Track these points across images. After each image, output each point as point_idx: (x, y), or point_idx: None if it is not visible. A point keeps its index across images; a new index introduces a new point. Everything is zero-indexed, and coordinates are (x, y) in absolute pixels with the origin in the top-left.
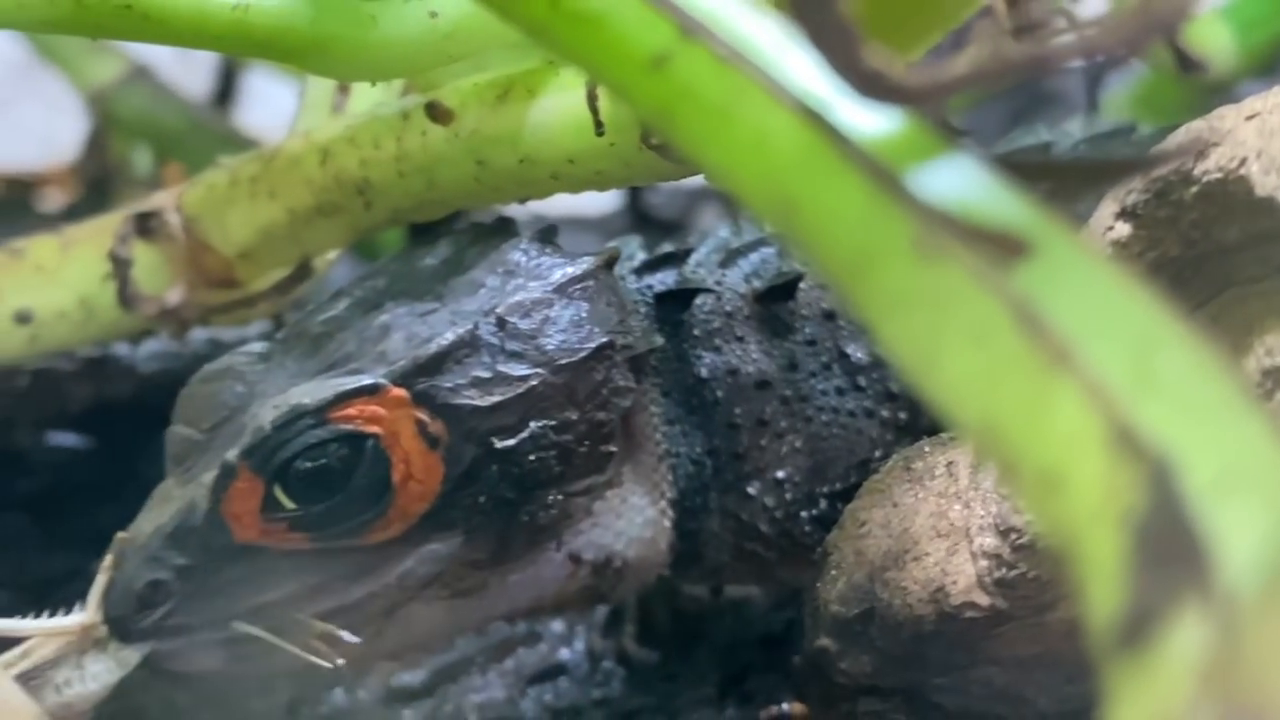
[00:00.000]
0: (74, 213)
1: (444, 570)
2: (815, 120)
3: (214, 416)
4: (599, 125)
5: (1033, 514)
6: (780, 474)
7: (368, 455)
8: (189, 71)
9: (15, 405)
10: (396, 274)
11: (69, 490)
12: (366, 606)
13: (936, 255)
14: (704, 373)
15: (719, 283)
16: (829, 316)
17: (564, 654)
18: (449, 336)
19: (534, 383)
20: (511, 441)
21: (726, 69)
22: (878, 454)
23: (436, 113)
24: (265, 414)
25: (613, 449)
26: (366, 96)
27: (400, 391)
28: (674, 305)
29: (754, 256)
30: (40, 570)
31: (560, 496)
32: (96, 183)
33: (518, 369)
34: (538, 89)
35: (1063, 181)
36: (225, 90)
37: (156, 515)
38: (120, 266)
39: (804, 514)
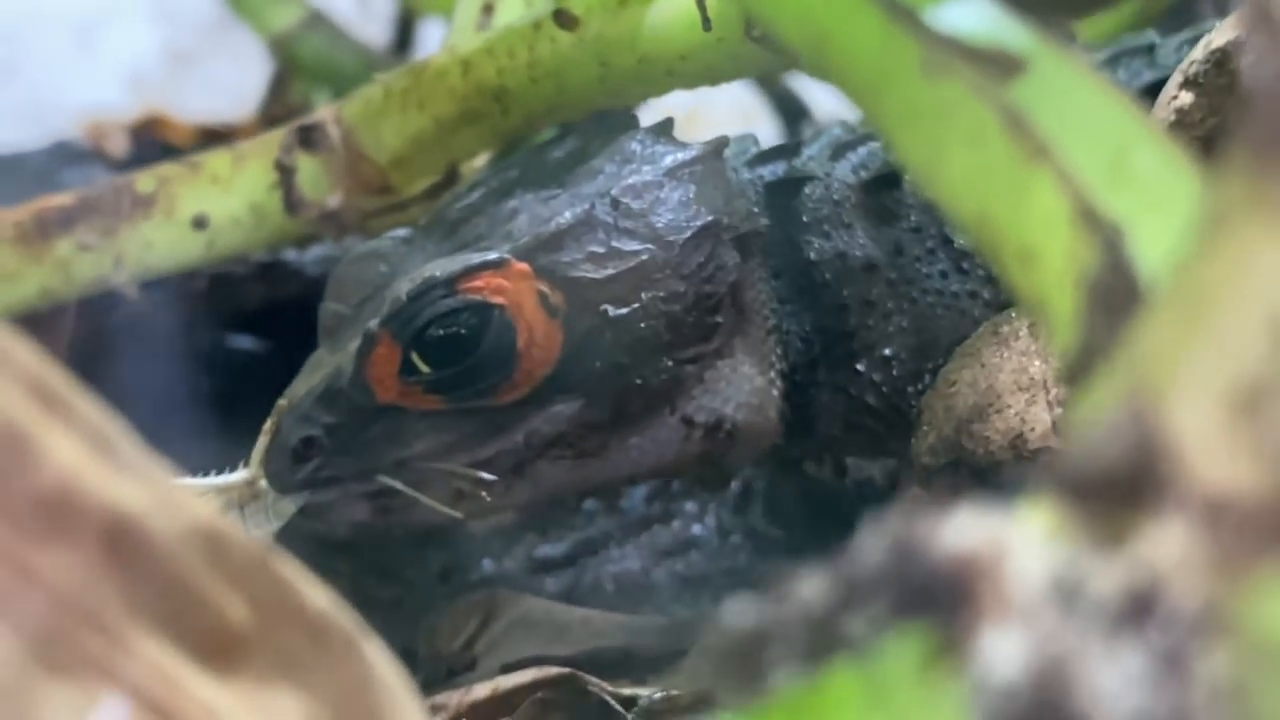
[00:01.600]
0: None
1: (567, 430)
2: None
3: (360, 293)
4: (706, 21)
5: (1015, 286)
6: (887, 351)
7: (494, 323)
8: (369, 22)
9: (195, 306)
10: (527, 165)
11: (247, 388)
12: (498, 463)
13: (940, 73)
14: (813, 256)
15: (828, 174)
16: (932, 206)
17: (696, 530)
18: (567, 216)
19: (644, 257)
20: (624, 310)
21: None
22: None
23: (564, 19)
24: (402, 286)
25: (719, 320)
26: (510, 15)
27: (523, 265)
28: (783, 193)
29: (862, 150)
30: (223, 459)
31: (671, 363)
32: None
33: (629, 245)
34: None
35: (1060, 9)
36: (403, 39)
37: (309, 380)
38: (285, 174)
39: (910, 389)
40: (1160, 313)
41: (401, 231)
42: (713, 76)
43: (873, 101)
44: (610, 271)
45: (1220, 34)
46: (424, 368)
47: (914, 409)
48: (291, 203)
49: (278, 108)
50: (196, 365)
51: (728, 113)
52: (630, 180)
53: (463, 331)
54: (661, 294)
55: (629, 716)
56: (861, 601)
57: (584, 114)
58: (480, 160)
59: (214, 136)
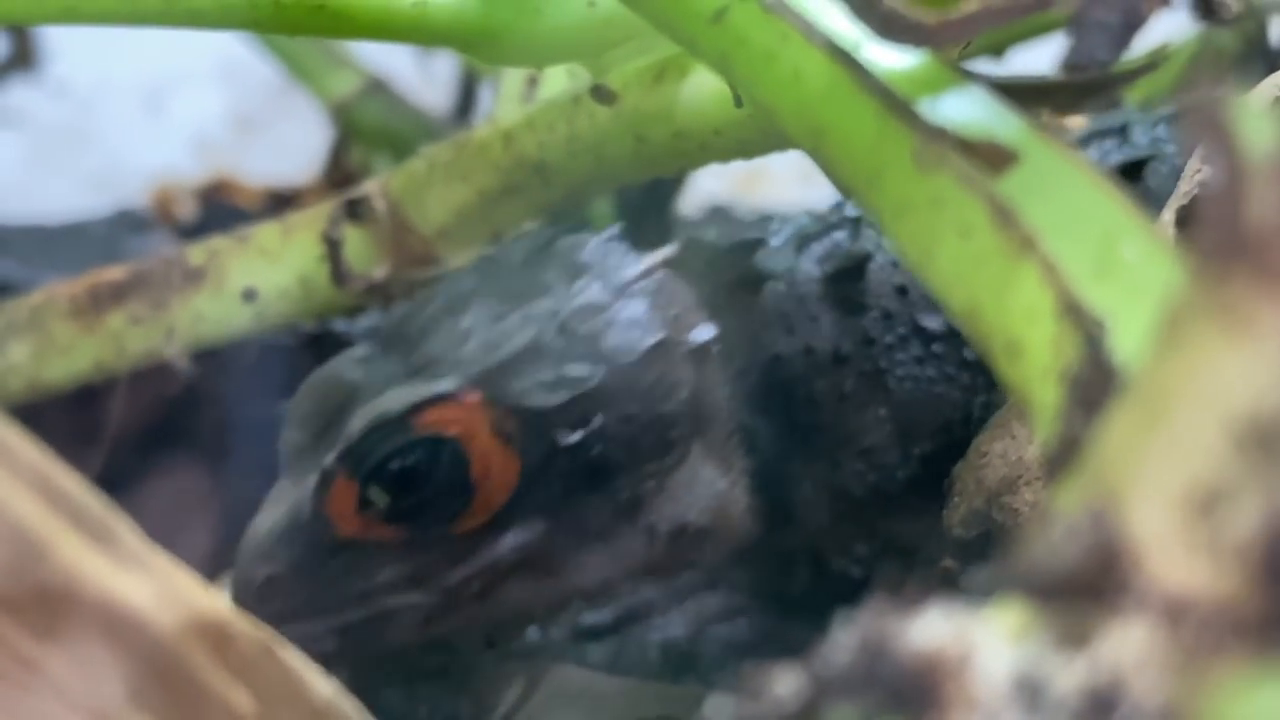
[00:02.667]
0: None
1: (529, 555)
2: (842, 58)
3: (321, 421)
4: (738, 99)
5: (1003, 378)
6: (866, 442)
7: (448, 454)
8: (430, 86)
9: (246, 377)
10: (483, 274)
11: None
12: (463, 590)
13: (933, 165)
14: (780, 352)
15: (791, 268)
16: (901, 291)
17: (740, 598)
18: (516, 341)
19: (593, 383)
20: (578, 436)
21: (771, 18)
22: (958, 416)
23: (601, 95)
24: (356, 423)
25: (674, 435)
26: (553, 87)
27: (474, 397)
28: (745, 292)
29: (826, 241)
30: None
31: (628, 481)
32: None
33: (578, 370)
34: (688, 69)
35: (1055, 100)
36: (465, 104)
37: (272, 514)
38: (333, 247)
39: (897, 474)
40: (1122, 414)
41: (359, 350)
42: (746, 150)
43: (867, 193)
44: (560, 399)
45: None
46: (380, 500)
47: (903, 493)
48: (339, 275)
49: (338, 173)
50: (249, 435)
51: (785, 173)
52: (578, 301)
53: (417, 464)
54: (615, 417)
55: None
56: (832, 700)
57: (622, 185)
58: (525, 230)
59: (280, 199)
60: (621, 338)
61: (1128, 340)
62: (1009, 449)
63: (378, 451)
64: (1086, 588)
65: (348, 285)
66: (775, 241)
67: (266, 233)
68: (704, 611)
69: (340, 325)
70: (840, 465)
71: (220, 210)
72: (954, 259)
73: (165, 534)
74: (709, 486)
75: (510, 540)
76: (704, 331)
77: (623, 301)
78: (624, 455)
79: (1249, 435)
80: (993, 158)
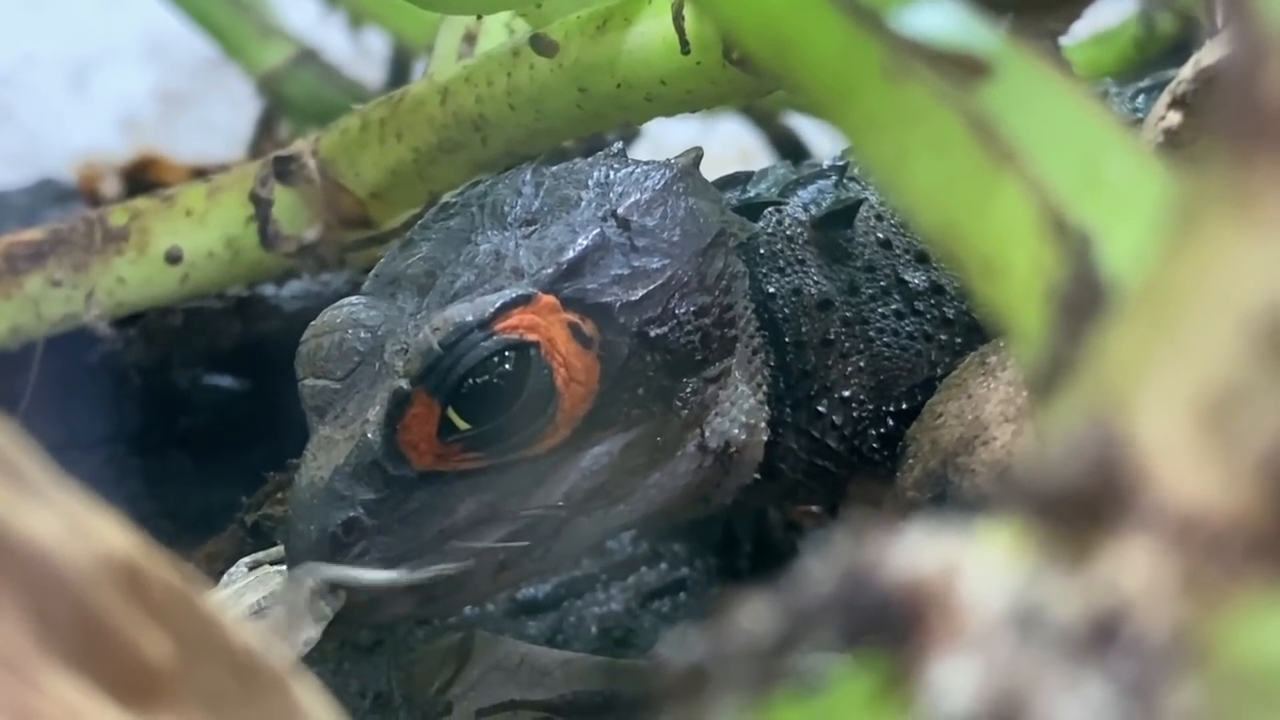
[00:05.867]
0: None
1: (606, 478)
2: None
3: (346, 364)
4: (685, 44)
5: (981, 298)
6: (845, 393)
7: (531, 363)
8: (364, 62)
9: (171, 343)
10: (467, 214)
11: (224, 427)
12: (539, 528)
13: (904, 78)
14: (770, 289)
15: (779, 208)
16: (885, 244)
17: (682, 571)
18: (581, 242)
19: (670, 272)
20: (663, 329)
21: None
22: (939, 372)
23: (541, 45)
24: (429, 337)
25: (735, 333)
26: (492, 43)
27: (550, 298)
28: (746, 220)
29: (811, 188)
30: (200, 501)
31: (701, 383)
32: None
33: (653, 261)
34: (633, 17)
35: (1027, 7)
36: (398, 78)
37: (326, 459)
38: (261, 207)
39: (871, 431)
40: (1126, 319)
41: (356, 298)
42: (693, 102)
43: (836, 109)
44: (641, 291)
45: (1209, 53)
46: (463, 424)
47: (875, 451)
48: (268, 236)
49: (268, 146)
50: (171, 403)
51: (725, 151)
52: (632, 198)
53: (500, 379)
54: (693, 307)
55: None
56: (808, 631)
57: (563, 141)
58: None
59: (208, 177)
60: (684, 229)
61: (1116, 255)
62: (965, 408)
63: (462, 364)
64: (1087, 505)
65: (277, 247)
66: (759, 185)
67: (192, 193)
68: (644, 586)
69: (269, 290)
70: (820, 415)
71: (146, 188)
72: (928, 175)
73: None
74: (746, 401)
75: (588, 460)
76: (744, 231)
77: (674, 197)
78: (701, 351)
79: (1268, 334)
80: (967, 70)
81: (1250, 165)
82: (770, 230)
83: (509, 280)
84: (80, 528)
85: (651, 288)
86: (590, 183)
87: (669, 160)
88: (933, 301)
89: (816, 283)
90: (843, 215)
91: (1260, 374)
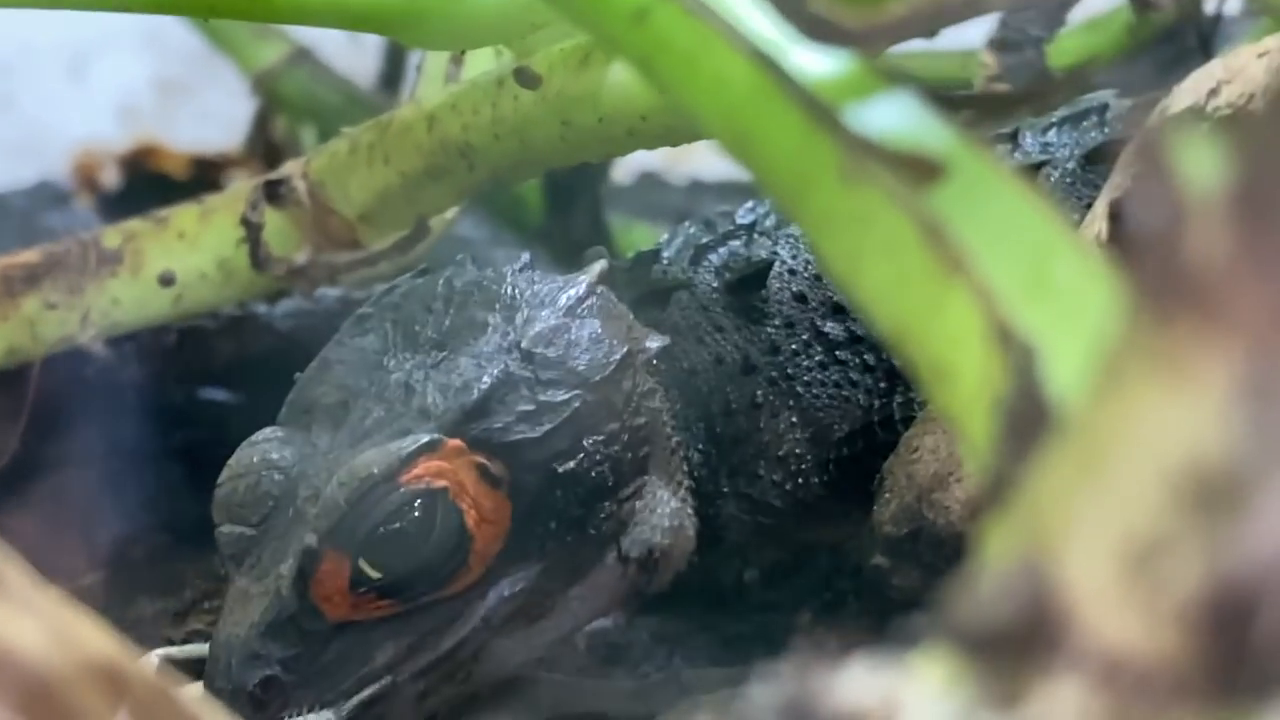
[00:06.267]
0: None
1: (522, 603)
2: (765, 64)
3: (260, 509)
4: None
5: (933, 403)
6: (781, 451)
7: (440, 508)
8: (358, 54)
9: (165, 362)
10: (380, 332)
11: (218, 440)
12: (458, 654)
13: (858, 179)
14: (692, 364)
15: (691, 279)
16: (801, 299)
17: (669, 587)
18: (486, 380)
19: (576, 404)
20: (570, 464)
21: (694, 20)
22: (875, 417)
23: (525, 77)
24: (336, 493)
25: (647, 450)
26: (479, 66)
27: (456, 442)
28: (654, 305)
29: (723, 250)
30: (196, 513)
31: (615, 505)
32: (274, 161)
33: (558, 394)
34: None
35: (983, 110)
36: (392, 72)
37: (242, 616)
38: (252, 230)
39: (814, 480)
40: (1055, 459)
41: (271, 431)
42: (673, 137)
43: (793, 205)
44: (547, 426)
45: (1178, 99)
46: (374, 573)
47: (822, 500)
48: (259, 258)
49: (262, 143)
50: (167, 419)
51: (710, 148)
52: (535, 328)
53: (410, 526)
54: (600, 437)
55: None
56: None
57: (548, 169)
58: (452, 214)
59: (207, 166)
60: (589, 356)
61: (1061, 368)
62: (940, 444)
63: (369, 519)
64: (1018, 643)
65: (268, 269)
66: (668, 252)
67: (184, 215)
68: (633, 602)
69: (261, 309)
70: (759, 477)
71: (145, 177)
72: (881, 278)
73: (82, 518)
74: (666, 506)
75: (503, 589)
76: (656, 340)
77: (578, 322)
78: (613, 477)
79: (1188, 486)
80: (920, 171)
81: (1171, 325)
82: (684, 302)
83: (416, 422)
84: (62, 633)
85: (558, 422)
86: (497, 304)
87: (577, 276)
88: (855, 350)
89: (737, 347)
90: (755, 278)
91: (1180, 525)
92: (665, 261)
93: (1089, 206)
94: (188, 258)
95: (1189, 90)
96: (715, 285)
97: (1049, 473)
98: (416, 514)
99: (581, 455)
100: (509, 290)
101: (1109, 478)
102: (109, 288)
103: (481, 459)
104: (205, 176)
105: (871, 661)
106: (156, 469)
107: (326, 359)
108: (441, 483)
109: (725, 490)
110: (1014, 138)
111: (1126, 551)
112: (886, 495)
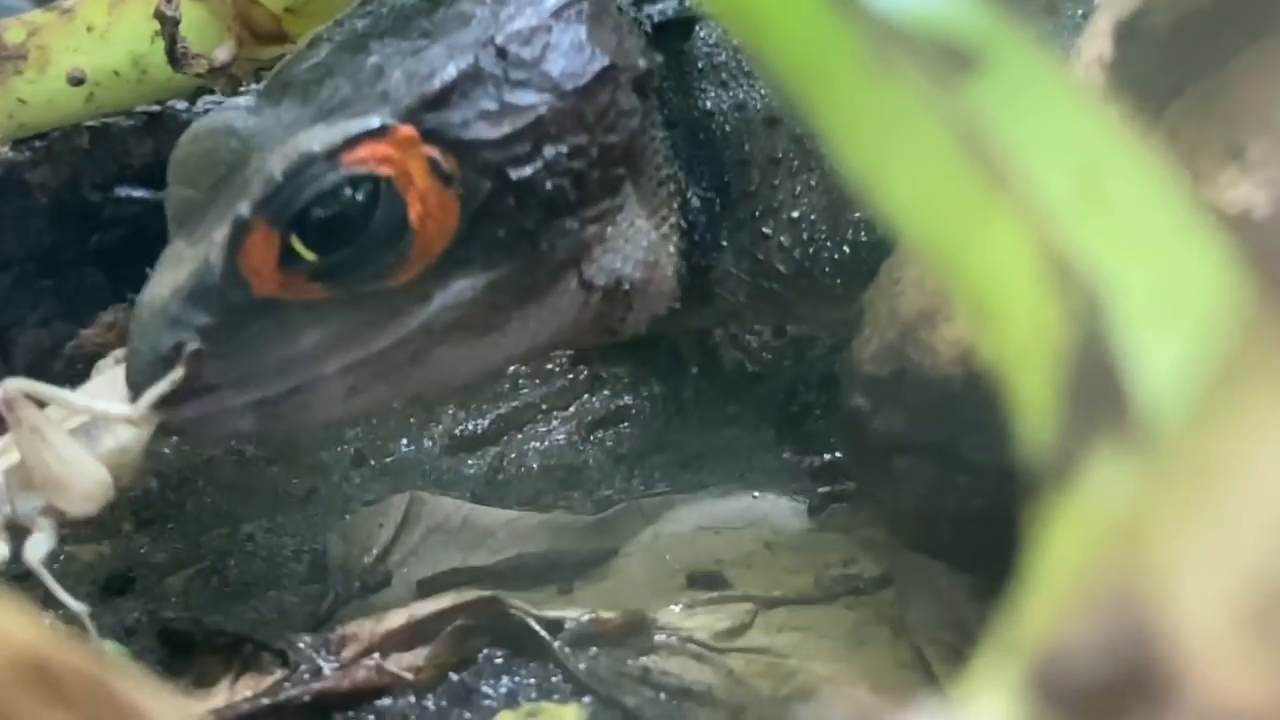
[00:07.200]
0: None
1: (467, 312)
2: None
3: (212, 174)
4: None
5: (973, 338)
6: (795, 213)
7: (383, 197)
8: None
9: (79, 162)
10: (376, 15)
11: (139, 240)
12: (394, 354)
13: (884, 71)
14: (709, 106)
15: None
16: None
17: (626, 400)
18: (451, 70)
19: (542, 110)
20: (526, 171)
21: None
22: None
23: None
24: (274, 164)
25: (622, 172)
26: None
27: (409, 130)
28: (675, 35)
29: None
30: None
31: (576, 224)
32: None
33: (525, 97)
34: None
35: None
36: None
37: (169, 279)
38: (167, 25)
39: (824, 255)
40: (1160, 478)
41: (244, 99)
42: None
43: (808, 98)
44: (506, 129)
45: None
46: (307, 254)
47: (828, 275)
48: (176, 55)
49: None
50: (83, 220)
51: None
52: (515, 25)
53: (349, 210)
54: (565, 149)
55: (555, 643)
56: None
57: None
58: None
59: None
60: (566, 62)
61: (1127, 314)
62: (925, 276)
63: (303, 195)
64: (1117, 697)
65: (186, 66)
66: None
67: (92, 6)
68: (587, 416)
69: (180, 105)
70: (766, 237)
71: None
72: (913, 191)
73: (1, 328)
74: (645, 238)
75: (446, 296)
76: (645, 60)
77: (561, 25)
78: (574, 193)
79: None
80: (954, 61)
81: None
82: (713, 42)
83: (374, 105)
84: None
85: (519, 126)
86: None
87: None
88: None
89: (764, 96)
90: None
91: None
92: (686, 3)
93: None
94: (98, 54)
95: None
96: None
97: (1150, 494)
98: (356, 198)
99: (540, 164)
100: None
101: (1228, 513)
102: (14, 86)
103: (433, 152)
104: None
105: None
106: (75, 271)
107: (318, 36)
108: (387, 170)
109: (724, 244)
110: None
111: (1248, 600)
112: (866, 330)
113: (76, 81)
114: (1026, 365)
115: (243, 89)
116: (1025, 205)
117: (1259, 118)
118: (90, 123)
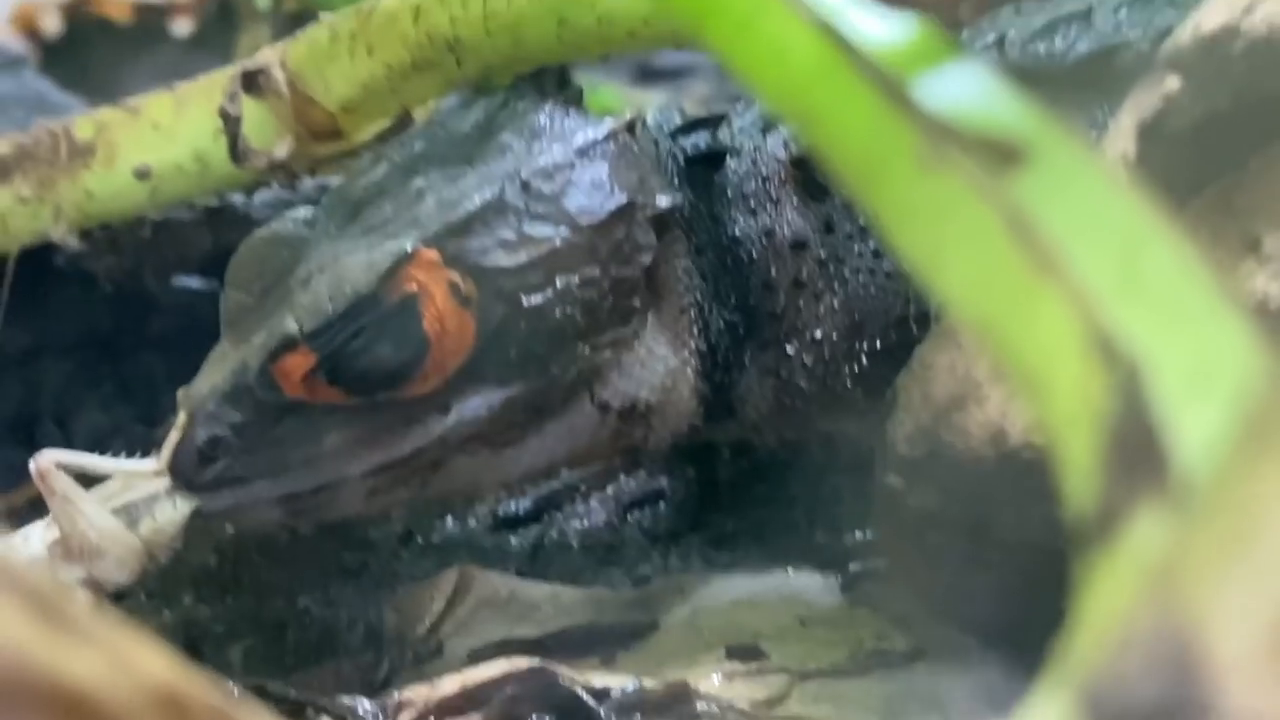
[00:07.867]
0: (202, 38)
1: (484, 427)
2: (828, 32)
3: (263, 281)
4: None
5: (1025, 410)
6: (818, 333)
7: (405, 312)
8: None
9: (141, 253)
10: (432, 138)
11: (194, 330)
12: (414, 461)
13: (937, 165)
14: (738, 233)
15: (756, 147)
16: None
17: (661, 481)
18: (476, 200)
19: (557, 243)
20: (538, 298)
21: None
22: (912, 309)
23: None
24: (323, 290)
25: (636, 304)
26: None
27: (432, 254)
28: (706, 167)
29: None
30: (171, 403)
31: (588, 350)
32: (222, 8)
33: (541, 230)
34: None
35: (1063, 88)
36: None
37: (213, 376)
38: (230, 123)
39: (845, 369)
40: (1196, 528)
41: (302, 211)
42: (677, 41)
43: (865, 191)
44: (522, 259)
45: (1210, 16)
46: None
47: (849, 390)
48: (237, 152)
49: None
50: (142, 307)
51: None
52: (540, 161)
53: (377, 329)
54: (576, 280)
55: (602, 710)
56: None
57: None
58: (434, 104)
59: (149, 10)
60: (585, 199)
61: (1164, 384)
62: (955, 361)
63: (349, 330)
64: (1161, 717)
65: (247, 162)
66: (739, 120)
67: (158, 105)
68: (625, 497)
69: (238, 199)
70: (788, 356)
71: (87, 23)
72: (966, 274)
73: (63, 411)
74: (662, 363)
75: (464, 410)
76: (667, 199)
77: (585, 163)
78: (585, 321)
79: None
80: (1002, 155)
81: None
82: (743, 172)
83: (406, 227)
84: (122, 662)
85: (534, 256)
86: (526, 131)
87: (601, 119)
88: None
89: (790, 223)
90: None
91: None
92: (735, 128)
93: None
94: (163, 150)
95: (1223, 4)
96: (780, 156)
97: (1187, 541)
98: (387, 319)
99: (551, 293)
100: (542, 121)
101: (1258, 555)
102: (82, 180)
103: (454, 276)
104: (148, 22)
105: None
106: (132, 357)
107: (381, 155)
108: (411, 287)
109: (747, 364)
110: (1087, 15)
111: (1277, 630)
112: (900, 414)
113: (142, 175)
114: (1073, 432)
115: (299, 182)
116: (1070, 286)
117: (1275, 213)
118: (152, 215)
